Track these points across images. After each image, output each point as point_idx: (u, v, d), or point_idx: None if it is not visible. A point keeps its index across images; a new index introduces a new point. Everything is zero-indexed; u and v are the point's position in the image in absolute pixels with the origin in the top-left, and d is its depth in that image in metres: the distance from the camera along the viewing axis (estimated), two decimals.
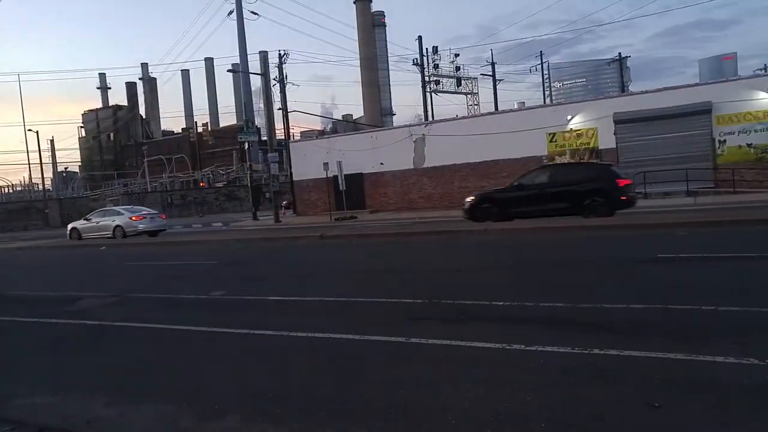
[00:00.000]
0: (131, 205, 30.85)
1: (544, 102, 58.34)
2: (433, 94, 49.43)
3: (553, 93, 74.00)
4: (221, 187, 60.77)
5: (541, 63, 59.29)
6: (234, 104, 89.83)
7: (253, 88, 63.78)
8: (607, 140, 24.96)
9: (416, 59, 46.44)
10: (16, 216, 48.66)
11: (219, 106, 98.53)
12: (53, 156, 67.18)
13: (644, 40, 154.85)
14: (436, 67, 50.42)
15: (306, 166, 31.32)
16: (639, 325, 4.83)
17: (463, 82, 54.16)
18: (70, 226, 26.10)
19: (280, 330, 5.48)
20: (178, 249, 17.22)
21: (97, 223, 24.72)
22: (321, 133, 59.94)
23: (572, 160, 24.52)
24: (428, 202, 28.77)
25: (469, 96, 55.75)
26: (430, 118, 42.66)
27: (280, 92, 32.04)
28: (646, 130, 24.17)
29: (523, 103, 61.74)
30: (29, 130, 59.38)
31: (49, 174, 68.75)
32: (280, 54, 32.10)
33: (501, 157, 26.69)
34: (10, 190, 73.17)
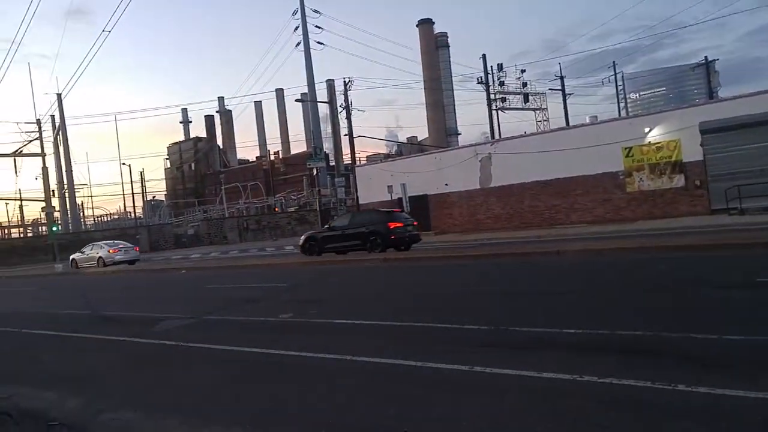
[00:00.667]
0: (113, 240, 33.89)
1: (619, 114, 55.99)
2: (499, 111, 48.84)
3: (629, 104, 70.49)
4: (293, 211, 62.76)
5: (615, 74, 57.04)
6: (304, 132, 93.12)
7: (321, 115, 65.90)
8: (692, 152, 23.34)
9: (481, 78, 46.18)
10: None
11: (290, 133, 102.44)
12: (143, 186, 72.51)
13: (735, 41, 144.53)
14: (501, 84, 49.85)
15: (371, 189, 31.76)
16: (735, 358, 4.37)
17: (530, 98, 53.15)
18: (71, 257, 30.39)
19: (344, 354, 5.52)
20: (252, 271, 17.89)
21: (87, 255, 29.05)
22: (386, 157, 60.66)
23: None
24: (496, 222, 28.21)
25: (538, 112, 54.58)
26: (496, 137, 42.11)
27: (346, 118, 32.87)
28: (741, 140, 22.08)
29: (596, 116, 59.67)
30: (123, 163, 64.81)
31: (139, 203, 74.12)
32: (345, 81, 33.04)
33: (573, 174, 25.78)
34: (108, 218, 79.52)
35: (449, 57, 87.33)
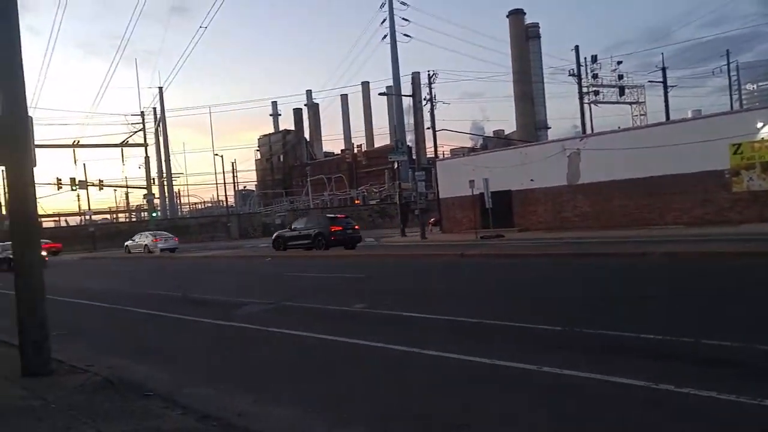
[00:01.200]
0: (156, 231, 38.20)
1: (731, 107, 51.22)
2: (592, 105, 46.53)
3: (743, 97, 63.97)
4: (374, 204, 63.76)
5: (728, 63, 52.10)
6: (388, 124, 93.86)
7: (405, 107, 66.09)
8: None
9: (573, 70, 44.17)
10: (206, 228, 56.77)
11: (374, 126, 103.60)
12: (234, 177, 76.80)
13: None
14: (595, 76, 47.46)
15: (452, 183, 31.44)
16: None
17: (627, 90, 50.25)
18: (125, 243, 35.43)
19: (412, 346, 5.59)
20: (331, 261, 18.44)
21: (137, 242, 34.00)
22: (471, 150, 59.80)
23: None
24: (583, 221, 26.96)
25: (635, 106, 51.46)
26: (588, 131, 40.19)
27: (429, 112, 32.81)
28: None
29: (699, 110, 55.13)
30: (216, 154, 68.85)
31: (231, 192, 78.53)
32: (429, 75, 32.93)
33: (671, 172, 23.98)
34: (202, 206, 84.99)
35: (540, 48, 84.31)
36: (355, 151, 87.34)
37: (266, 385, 4.89)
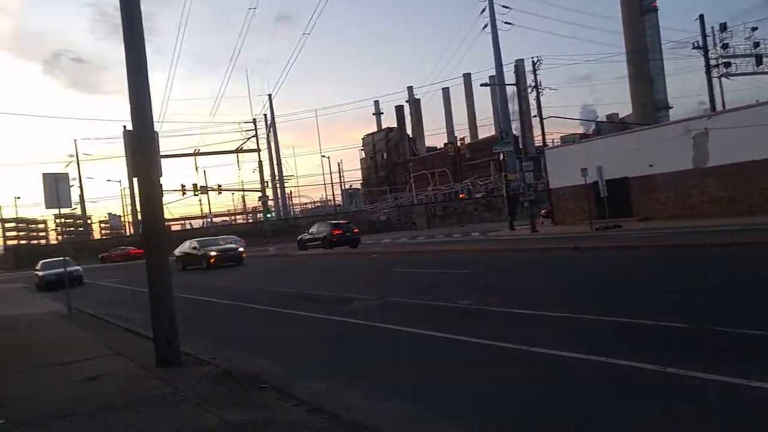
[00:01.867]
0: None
1: None
2: (722, 79, 41.76)
3: None
4: (480, 197, 62.54)
5: None
6: (492, 115, 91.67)
7: (509, 94, 63.90)
8: None
9: (697, 42, 39.93)
10: None
11: (478, 117, 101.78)
12: (341, 176, 79.61)
13: None
14: (725, 47, 42.52)
15: (563, 172, 29.95)
16: None
17: (765, 59, 44.38)
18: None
19: (520, 344, 5.39)
20: (438, 257, 18.39)
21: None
22: (583, 137, 56.52)
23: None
24: (715, 207, 24.32)
25: None
26: (717, 108, 36.18)
27: (535, 99, 31.48)
28: None
29: None
30: (323, 156, 71.90)
31: (338, 191, 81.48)
32: (533, 61, 31.58)
33: None
34: (312, 206, 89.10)
35: (657, 22, 77.36)
36: (458, 144, 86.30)
37: (376, 379, 4.97)
